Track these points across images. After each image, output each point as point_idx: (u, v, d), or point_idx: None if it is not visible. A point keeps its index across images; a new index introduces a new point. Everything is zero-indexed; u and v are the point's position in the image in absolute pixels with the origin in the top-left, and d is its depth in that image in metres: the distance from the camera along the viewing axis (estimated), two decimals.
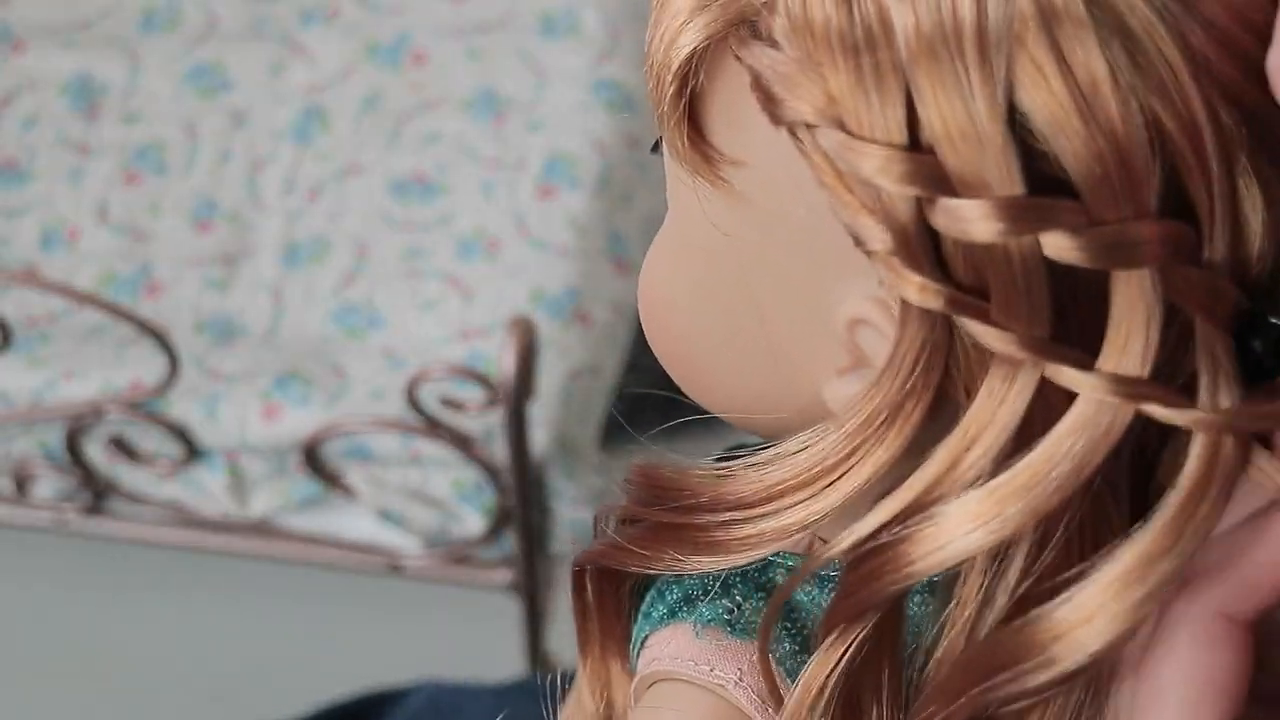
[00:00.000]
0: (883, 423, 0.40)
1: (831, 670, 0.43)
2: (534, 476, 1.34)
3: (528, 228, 1.51)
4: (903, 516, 0.39)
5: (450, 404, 1.25)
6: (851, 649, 0.42)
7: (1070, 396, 0.37)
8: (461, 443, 1.29)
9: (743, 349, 0.45)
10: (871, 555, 0.40)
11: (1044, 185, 0.36)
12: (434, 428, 1.28)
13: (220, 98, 1.66)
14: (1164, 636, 0.37)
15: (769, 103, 0.38)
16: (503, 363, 1.19)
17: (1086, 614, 0.37)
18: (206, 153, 1.62)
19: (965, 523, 0.38)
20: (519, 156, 1.56)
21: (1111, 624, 0.37)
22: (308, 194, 1.58)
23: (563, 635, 1.42)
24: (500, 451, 1.30)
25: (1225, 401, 0.36)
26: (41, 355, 1.44)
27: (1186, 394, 0.37)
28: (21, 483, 1.45)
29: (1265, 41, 0.37)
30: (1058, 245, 0.35)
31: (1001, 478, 0.38)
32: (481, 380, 1.23)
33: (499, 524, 1.34)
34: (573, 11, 1.65)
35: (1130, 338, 0.36)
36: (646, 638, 0.51)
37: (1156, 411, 0.36)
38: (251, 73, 1.67)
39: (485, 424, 1.31)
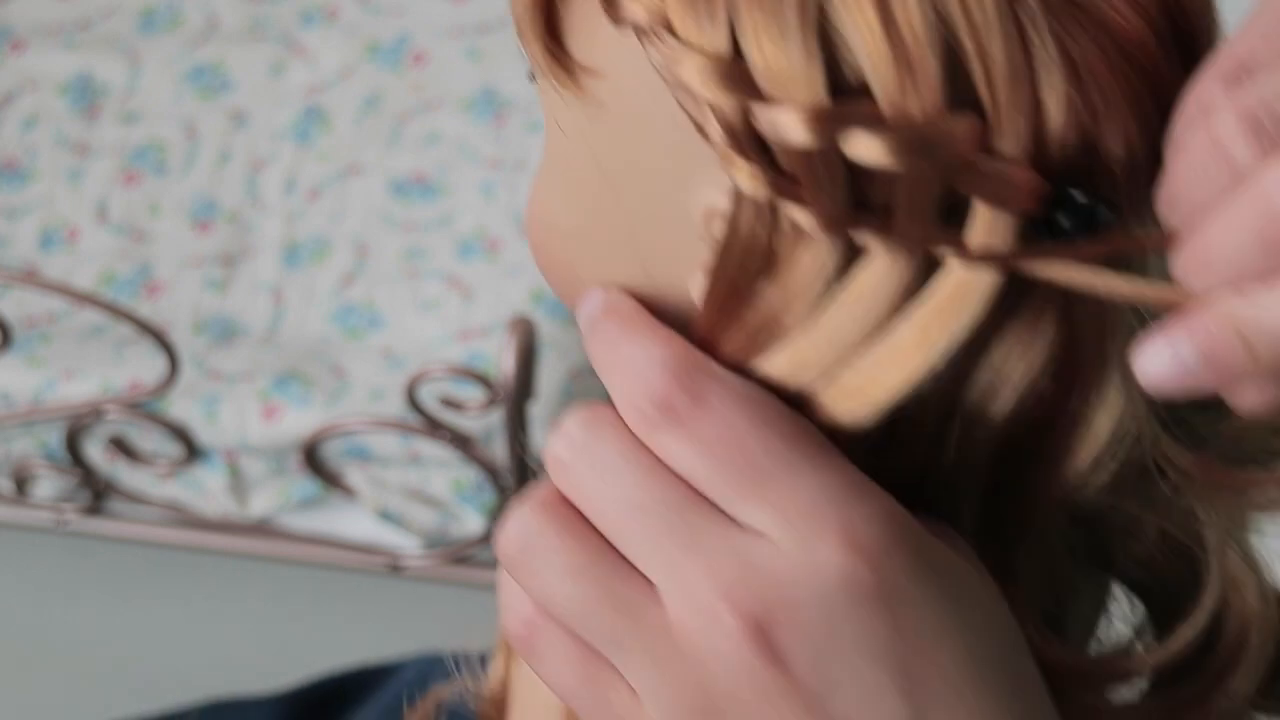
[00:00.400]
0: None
1: None
2: (534, 476, 1.34)
3: None
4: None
5: (450, 404, 1.25)
6: None
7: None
8: (461, 443, 1.29)
9: (619, 257, 0.46)
10: None
11: (848, 87, 0.38)
12: (434, 428, 1.28)
13: (220, 98, 1.66)
14: None
15: (608, 6, 0.40)
16: (503, 363, 1.19)
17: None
18: (206, 153, 1.62)
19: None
20: (519, 156, 1.56)
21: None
22: (308, 194, 1.58)
23: None
24: (500, 451, 1.30)
25: (992, 242, 0.39)
26: (41, 355, 1.43)
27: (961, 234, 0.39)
28: (21, 483, 1.45)
29: None
30: (857, 146, 0.37)
31: (812, 329, 0.41)
32: (481, 380, 1.23)
33: (499, 524, 1.34)
34: None
35: (915, 199, 0.38)
36: None
37: (937, 249, 0.39)
38: (251, 73, 1.67)
39: (485, 424, 1.31)
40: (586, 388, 1.41)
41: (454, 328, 1.45)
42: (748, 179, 0.39)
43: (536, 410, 1.31)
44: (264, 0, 1.73)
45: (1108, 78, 0.39)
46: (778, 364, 0.41)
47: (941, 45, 0.37)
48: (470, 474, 1.36)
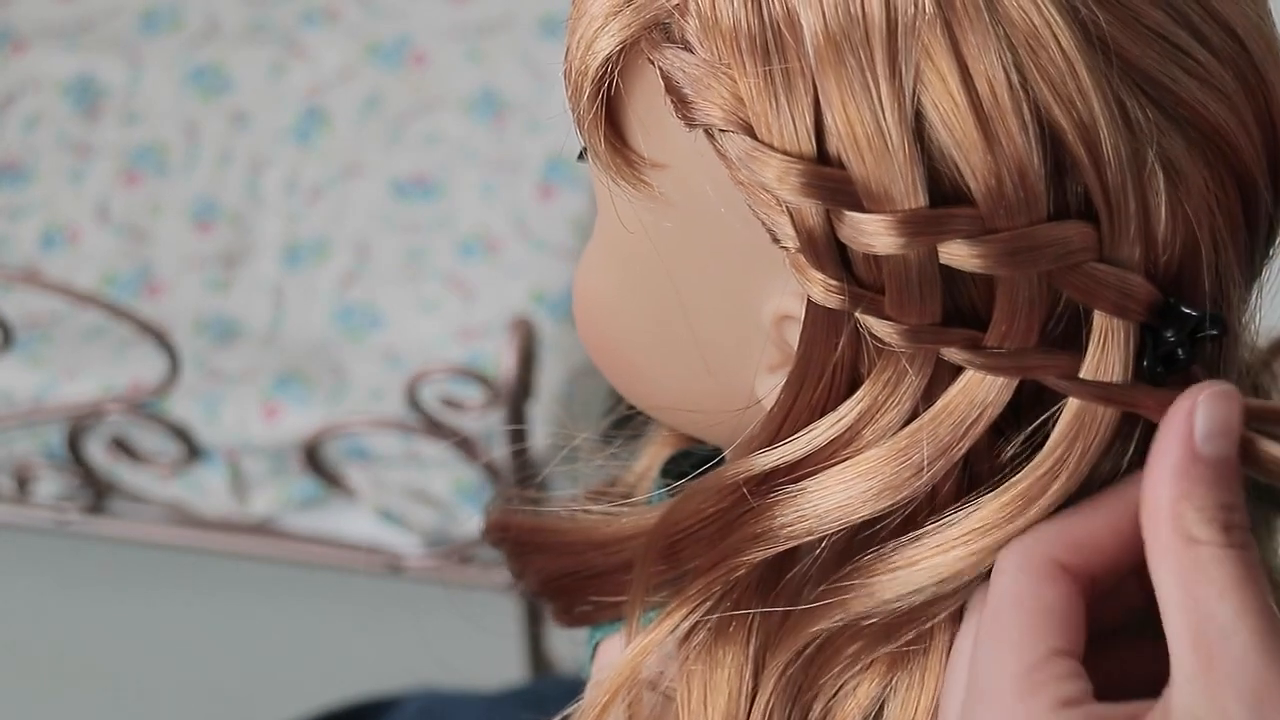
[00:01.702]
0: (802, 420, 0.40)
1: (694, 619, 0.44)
2: (533, 477, 1.34)
3: (528, 228, 1.51)
4: (789, 473, 0.40)
5: (450, 404, 1.25)
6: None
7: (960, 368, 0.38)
8: (461, 443, 1.29)
9: (673, 348, 0.45)
10: (746, 513, 0.41)
11: (944, 191, 0.36)
12: (434, 428, 1.28)
13: (221, 99, 1.66)
14: (999, 572, 0.38)
15: (681, 106, 0.38)
16: (503, 363, 1.19)
17: (915, 559, 0.39)
18: (207, 153, 1.62)
19: (844, 488, 0.39)
20: (519, 157, 1.57)
21: (934, 571, 0.38)
22: (308, 195, 1.58)
23: (563, 636, 1.42)
24: (500, 451, 1.30)
25: (1108, 376, 0.37)
26: (42, 355, 1.44)
27: (1075, 361, 0.37)
28: (23, 482, 1.45)
29: (1175, 15, 0.36)
30: (954, 253, 0.35)
31: (888, 444, 0.39)
32: (481, 380, 1.23)
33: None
34: None
35: (1015, 316, 0.36)
36: (598, 643, 0.51)
37: (1044, 379, 0.37)
38: (252, 74, 1.67)
39: (485, 424, 1.31)
40: (586, 388, 1.42)
41: (454, 328, 1.46)
42: (822, 290, 0.37)
43: (536, 410, 1.31)
44: (265, 1, 1.73)
45: (1197, 176, 0.37)
46: (851, 489, 0.39)
47: (1046, 147, 0.35)
48: (470, 474, 1.36)
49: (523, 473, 1.29)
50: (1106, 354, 0.37)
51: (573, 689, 0.57)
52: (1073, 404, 0.38)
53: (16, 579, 1.67)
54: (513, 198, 1.54)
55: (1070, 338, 0.37)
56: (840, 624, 0.40)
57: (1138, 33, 0.36)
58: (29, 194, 1.60)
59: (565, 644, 1.42)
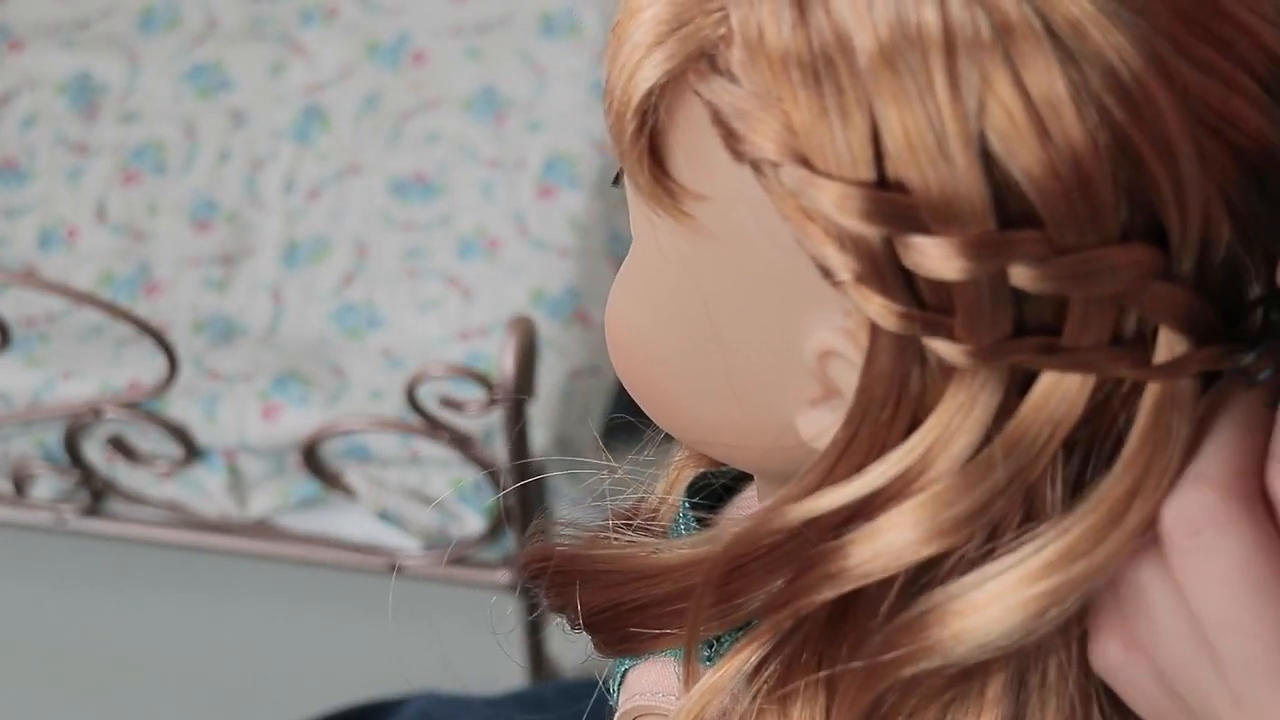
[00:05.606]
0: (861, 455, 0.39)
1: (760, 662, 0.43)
2: (534, 476, 1.34)
3: (527, 227, 1.51)
4: (859, 511, 0.39)
5: (450, 404, 1.25)
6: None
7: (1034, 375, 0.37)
8: (461, 443, 1.29)
9: (709, 380, 0.44)
10: (815, 554, 0.40)
11: (1010, 213, 0.35)
12: (433, 428, 1.28)
13: (219, 97, 1.65)
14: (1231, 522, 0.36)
15: (730, 139, 0.37)
16: (503, 363, 1.19)
17: (990, 598, 0.37)
18: (206, 152, 1.62)
19: (917, 522, 0.38)
20: (519, 156, 1.56)
21: (1014, 611, 0.37)
22: (307, 194, 1.58)
23: (563, 637, 1.42)
24: (500, 451, 1.30)
25: (1180, 349, 0.36)
26: (40, 355, 1.43)
27: (1146, 350, 0.37)
28: (20, 483, 1.45)
29: (1225, 50, 0.36)
30: (1023, 276, 0.35)
31: (961, 472, 0.38)
32: (481, 380, 1.22)
33: (499, 524, 1.34)
34: (573, 11, 1.65)
35: (1087, 317, 0.36)
36: (625, 672, 0.51)
37: (1121, 372, 0.36)
38: (251, 72, 1.66)
39: (485, 424, 1.31)
40: (586, 387, 1.41)
41: (454, 328, 1.45)
42: (889, 315, 0.36)
43: (536, 410, 1.31)
44: (263, 0, 1.72)
45: (1255, 206, 0.37)
46: (922, 523, 0.38)
47: (1113, 171, 0.34)
48: (470, 474, 1.36)
49: (523, 478, 1.28)
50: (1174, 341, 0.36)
51: (572, 692, 0.57)
52: (1148, 405, 0.37)
53: (14, 579, 1.67)
54: (512, 197, 1.53)
55: (1141, 333, 0.37)
56: (915, 673, 0.39)
57: (1192, 62, 0.36)
58: (26, 193, 1.60)
59: (565, 645, 1.41)
